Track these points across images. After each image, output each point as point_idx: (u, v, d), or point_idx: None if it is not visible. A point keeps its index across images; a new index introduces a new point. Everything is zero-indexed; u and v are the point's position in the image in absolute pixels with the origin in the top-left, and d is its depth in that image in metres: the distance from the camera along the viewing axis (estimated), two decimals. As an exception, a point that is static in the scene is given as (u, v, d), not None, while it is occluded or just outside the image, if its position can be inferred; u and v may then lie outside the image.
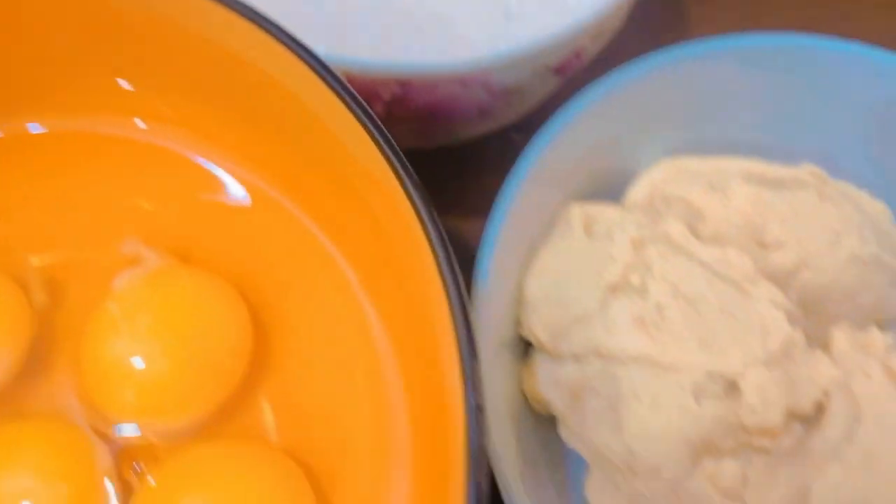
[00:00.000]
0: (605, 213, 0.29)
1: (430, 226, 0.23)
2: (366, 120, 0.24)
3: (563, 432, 0.29)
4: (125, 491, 0.28)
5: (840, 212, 0.30)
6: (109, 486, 0.28)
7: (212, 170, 0.31)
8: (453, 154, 0.38)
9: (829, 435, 0.25)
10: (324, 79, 0.25)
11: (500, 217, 0.27)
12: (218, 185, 0.31)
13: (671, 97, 0.30)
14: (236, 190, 0.31)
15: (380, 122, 0.24)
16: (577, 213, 0.29)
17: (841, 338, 0.27)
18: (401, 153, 0.24)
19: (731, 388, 0.26)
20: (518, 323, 0.29)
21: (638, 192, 0.31)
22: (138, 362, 0.29)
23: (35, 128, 0.32)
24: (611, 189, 0.31)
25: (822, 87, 0.31)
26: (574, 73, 0.31)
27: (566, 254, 0.29)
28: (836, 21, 0.37)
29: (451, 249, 0.23)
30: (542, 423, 0.30)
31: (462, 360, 0.22)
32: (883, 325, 0.31)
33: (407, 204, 0.24)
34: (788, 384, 0.26)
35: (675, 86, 0.30)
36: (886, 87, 0.32)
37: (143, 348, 0.29)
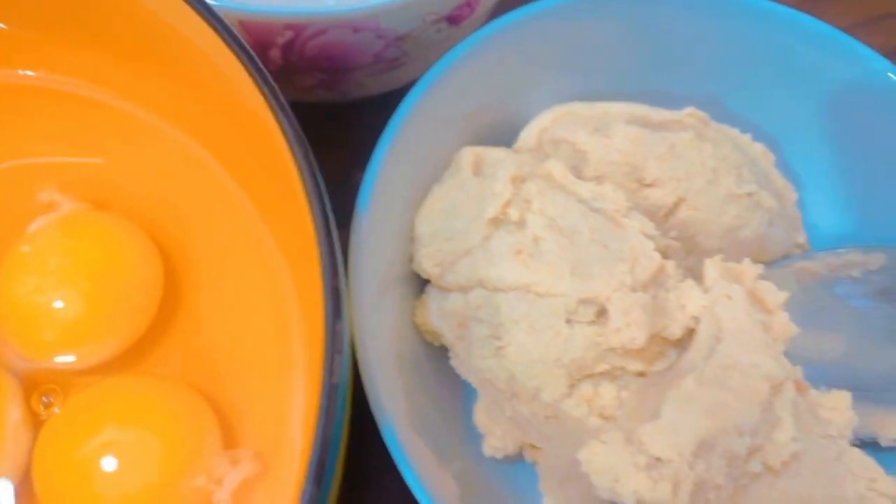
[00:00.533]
0: (493, 154, 0.31)
1: (298, 152, 0.25)
2: (244, 57, 0.26)
3: (454, 362, 0.31)
4: (36, 422, 0.30)
5: (718, 151, 0.31)
6: (17, 416, 0.30)
7: (117, 111, 0.32)
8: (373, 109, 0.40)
9: (692, 355, 0.27)
10: (208, 22, 0.26)
11: (381, 151, 0.28)
12: (123, 128, 0.33)
13: (559, 44, 0.32)
14: (141, 133, 0.33)
15: (252, 54, 0.25)
16: (467, 154, 0.31)
17: (712, 267, 0.29)
18: (276, 89, 0.25)
19: (601, 313, 0.28)
20: (411, 260, 0.31)
21: (528, 136, 0.32)
22: (48, 299, 0.30)
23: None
24: (505, 137, 0.33)
25: (709, 34, 0.33)
26: (469, 23, 0.33)
27: (455, 192, 0.30)
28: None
29: (319, 178, 0.25)
30: (435, 356, 0.31)
31: (321, 251, 0.23)
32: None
33: (281, 137, 0.25)
34: (656, 309, 0.28)
35: (563, 33, 0.32)
36: (775, 34, 0.33)
37: (54, 285, 0.30)
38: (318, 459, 0.21)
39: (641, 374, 0.29)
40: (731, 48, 0.33)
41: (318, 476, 0.21)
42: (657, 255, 0.28)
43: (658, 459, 0.24)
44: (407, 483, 0.27)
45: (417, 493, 0.27)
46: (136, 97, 0.32)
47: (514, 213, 0.28)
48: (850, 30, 0.33)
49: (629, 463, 0.23)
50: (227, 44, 0.26)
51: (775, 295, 0.29)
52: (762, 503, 0.25)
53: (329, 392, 0.21)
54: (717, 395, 0.25)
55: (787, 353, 0.28)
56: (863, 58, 0.32)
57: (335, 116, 0.39)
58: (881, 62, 0.32)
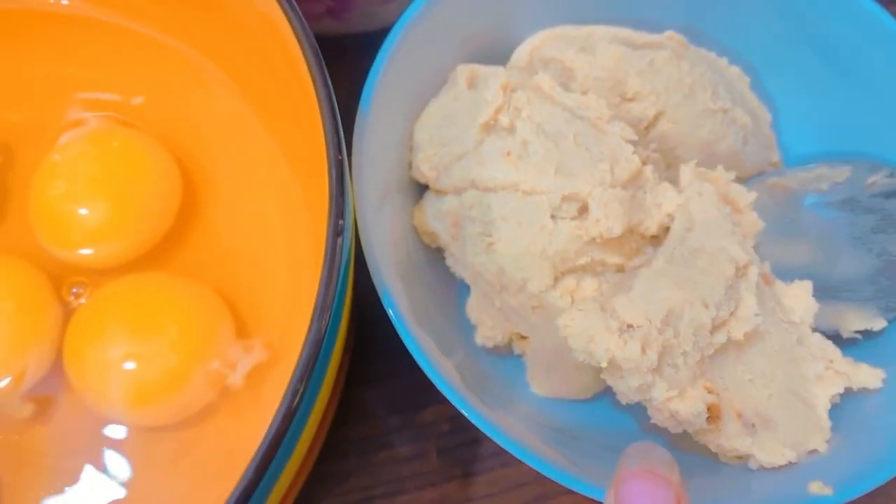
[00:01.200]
0: (487, 70, 0.33)
1: (316, 71, 0.27)
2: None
3: (449, 261, 0.33)
4: (67, 311, 0.33)
5: (695, 69, 0.33)
6: (50, 306, 0.32)
7: (141, 35, 0.35)
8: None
9: (666, 244, 0.30)
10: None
11: (381, 61, 0.31)
12: (147, 53, 0.35)
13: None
14: (163, 57, 0.35)
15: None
16: (463, 70, 0.33)
17: (687, 170, 0.31)
18: (298, 11, 0.27)
19: (583, 210, 0.30)
20: (410, 167, 0.33)
21: (520, 55, 0.35)
22: (77, 201, 0.33)
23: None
24: (499, 57, 0.35)
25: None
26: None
27: (451, 103, 0.33)
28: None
29: (331, 89, 0.27)
30: (433, 259, 0.34)
31: (326, 130, 0.26)
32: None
33: (301, 58, 0.27)
34: (634, 206, 0.30)
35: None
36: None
37: (82, 188, 0.33)
38: (322, 301, 0.23)
39: (621, 269, 0.31)
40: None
41: (317, 343, 0.23)
42: (636, 158, 0.30)
43: (630, 325, 0.26)
44: (421, 369, 0.29)
45: (432, 377, 0.28)
46: (158, 22, 0.35)
47: (504, 120, 0.31)
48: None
49: (603, 327, 0.26)
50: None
51: (744, 196, 0.31)
52: (728, 374, 0.28)
53: (333, 242, 0.24)
54: (685, 272, 0.27)
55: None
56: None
57: (342, 51, 0.42)
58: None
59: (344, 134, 0.29)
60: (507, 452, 0.35)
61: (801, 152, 0.37)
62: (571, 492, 0.35)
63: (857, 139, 0.35)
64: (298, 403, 0.22)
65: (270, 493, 0.25)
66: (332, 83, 0.31)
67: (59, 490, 0.31)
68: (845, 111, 0.36)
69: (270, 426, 0.22)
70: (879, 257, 0.33)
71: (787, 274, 0.33)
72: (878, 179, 0.33)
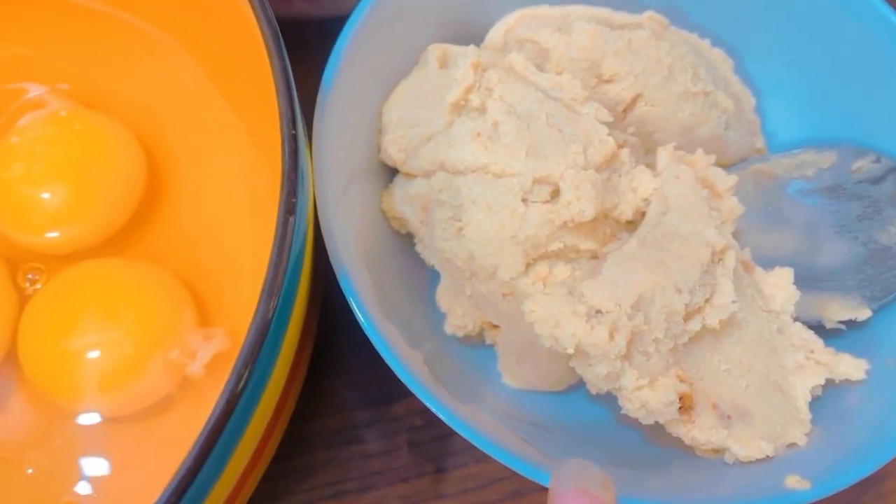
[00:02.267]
0: (459, 49, 0.32)
1: (272, 44, 0.26)
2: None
3: (419, 247, 0.32)
4: (22, 297, 0.32)
5: (675, 50, 0.32)
6: (5, 291, 0.31)
7: (104, 14, 0.34)
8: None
9: (640, 230, 0.28)
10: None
11: (346, 35, 0.29)
12: (110, 31, 0.34)
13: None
14: (128, 38, 0.34)
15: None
16: (434, 50, 0.32)
17: (664, 153, 0.30)
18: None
19: (555, 194, 0.29)
20: (378, 149, 0.32)
21: (494, 35, 0.34)
22: (36, 182, 0.32)
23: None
24: (473, 38, 0.34)
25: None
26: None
27: (421, 83, 0.31)
28: None
29: (287, 62, 0.26)
30: (403, 245, 0.33)
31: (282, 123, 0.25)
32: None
33: (253, 20, 0.26)
34: (608, 188, 0.29)
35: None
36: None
37: (41, 171, 0.32)
38: (270, 282, 0.22)
39: (595, 256, 0.30)
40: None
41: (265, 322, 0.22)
42: (611, 140, 0.29)
43: (598, 311, 0.25)
44: (386, 363, 0.28)
45: (396, 369, 0.27)
46: (121, 2, 0.34)
47: (475, 100, 0.30)
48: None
49: (570, 312, 0.25)
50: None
51: (724, 180, 0.30)
52: (703, 363, 0.27)
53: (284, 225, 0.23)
54: (657, 255, 0.26)
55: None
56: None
57: (319, 35, 0.41)
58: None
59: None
60: (480, 447, 0.35)
61: (786, 138, 0.36)
62: (547, 488, 0.34)
63: (843, 124, 0.34)
64: (242, 389, 0.21)
65: (215, 483, 0.23)
66: (304, 67, 0.30)
67: (16, 483, 0.30)
68: (831, 96, 0.34)
69: (211, 414, 0.21)
70: (865, 245, 0.32)
71: (770, 262, 0.32)
72: (864, 165, 0.32)
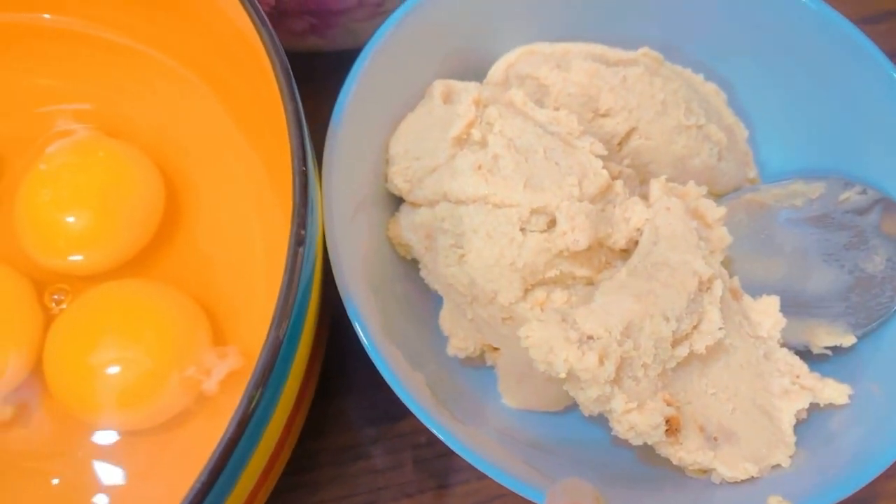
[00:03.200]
0: (462, 85, 0.34)
1: (284, 83, 0.28)
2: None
3: (423, 272, 0.34)
4: (47, 317, 0.34)
5: (668, 86, 0.34)
6: (32, 311, 0.33)
7: (130, 49, 0.36)
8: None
9: (632, 259, 0.30)
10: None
11: (356, 71, 0.31)
12: (134, 67, 0.36)
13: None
14: (150, 71, 0.36)
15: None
16: (439, 85, 0.34)
17: (656, 185, 0.31)
18: (262, 16, 0.28)
19: (552, 224, 0.30)
20: (385, 179, 0.34)
21: (496, 72, 0.35)
22: (62, 208, 0.34)
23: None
24: (476, 74, 0.36)
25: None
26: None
27: (425, 117, 0.33)
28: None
29: (298, 101, 0.28)
30: (408, 271, 0.34)
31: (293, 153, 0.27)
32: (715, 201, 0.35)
33: (267, 61, 0.28)
34: (603, 219, 0.30)
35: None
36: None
37: (67, 197, 0.34)
38: (281, 307, 0.24)
39: (590, 283, 0.31)
40: (687, -3, 0.36)
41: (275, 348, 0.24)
42: (605, 172, 0.31)
43: (589, 337, 0.26)
44: (389, 385, 0.29)
45: (398, 392, 0.29)
46: (142, 36, 0.36)
47: (476, 134, 0.31)
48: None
49: (562, 337, 0.26)
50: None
51: (714, 210, 0.32)
52: (691, 387, 0.28)
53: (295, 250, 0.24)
54: (646, 284, 0.28)
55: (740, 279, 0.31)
56: (809, 5, 0.35)
57: (329, 68, 0.43)
58: (829, 11, 0.35)
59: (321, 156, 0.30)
60: (482, 464, 0.36)
61: (778, 168, 0.37)
62: (544, 505, 0.35)
63: (833, 156, 0.35)
64: (254, 409, 0.23)
65: (227, 498, 0.25)
66: (317, 99, 0.32)
67: (42, 492, 0.32)
68: (821, 129, 0.36)
69: (225, 432, 0.22)
70: (851, 274, 0.33)
71: (760, 289, 0.33)
72: (851, 196, 0.33)
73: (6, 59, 0.36)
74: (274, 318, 0.24)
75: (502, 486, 0.37)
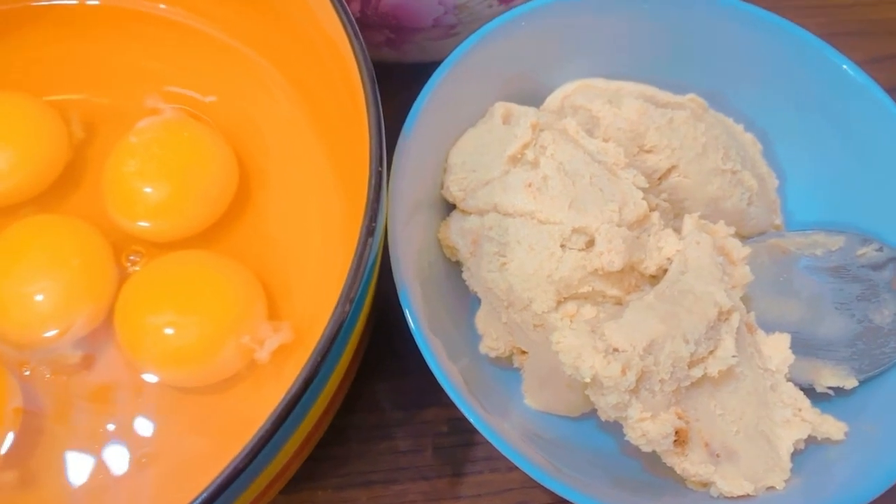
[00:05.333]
0: (521, 109, 0.37)
1: (370, 94, 0.31)
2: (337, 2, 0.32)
3: (465, 275, 0.37)
4: (123, 275, 0.37)
5: (710, 131, 0.37)
6: (109, 268, 0.37)
7: (221, 41, 0.40)
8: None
9: (660, 285, 0.33)
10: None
11: (427, 91, 0.34)
12: (219, 56, 0.40)
13: (588, 29, 0.38)
14: (233, 60, 0.40)
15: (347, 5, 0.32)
16: (500, 107, 0.37)
17: (689, 220, 0.34)
18: (354, 22, 0.31)
19: (590, 244, 0.33)
20: (441, 186, 0.37)
21: (553, 100, 0.38)
22: (146, 178, 0.37)
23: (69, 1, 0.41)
24: (534, 100, 0.39)
25: (720, 36, 0.38)
26: (517, 2, 0.39)
27: (485, 134, 0.36)
28: None
29: (381, 110, 0.31)
30: (451, 271, 0.38)
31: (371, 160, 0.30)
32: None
33: (354, 63, 0.31)
34: (637, 245, 0.33)
35: (592, 20, 0.38)
36: (777, 44, 0.38)
37: (151, 169, 0.37)
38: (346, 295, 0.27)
39: (619, 303, 0.34)
40: (738, 52, 0.39)
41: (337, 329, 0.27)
42: (644, 203, 0.34)
43: (615, 349, 0.29)
44: (430, 370, 0.32)
45: (438, 377, 0.32)
46: (238, 33, 0.39)
47: (530, 155, 0.34)
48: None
49: (590, 346, 0.29)
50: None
51: (739, 250, 0.34)
52: (701, 406, 0.31)
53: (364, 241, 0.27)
54: (671, 308, 0.30)
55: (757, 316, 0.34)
56: (848, 70, 0.37)
57: (394, 76, 0.46)
58: (868, 81, 0.38)
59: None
60: (496, 459, 0.39)
61: (802, 219, 0.40)
62: (552, 503, 0.38)
63: (854, 213, 0.38)
64: (315, 373, 0.26)
65: (277, 455, 0.28)
66: (387, 107, 0.35)
67: (99, 435, 0.35)
68: (847, 186, 0.38)
69: (289, 390, 0.25)
70: (860, 323, 0.35)
71: (775, 327, 0.35)
72: (868, 251, 0.36)
73: (115, 40, 0.40)
74: (342, 295, 0.27)
75: (511, 482, 0.40)
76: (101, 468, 0.34)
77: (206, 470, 0.33)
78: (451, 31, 0.40)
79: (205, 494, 0.26)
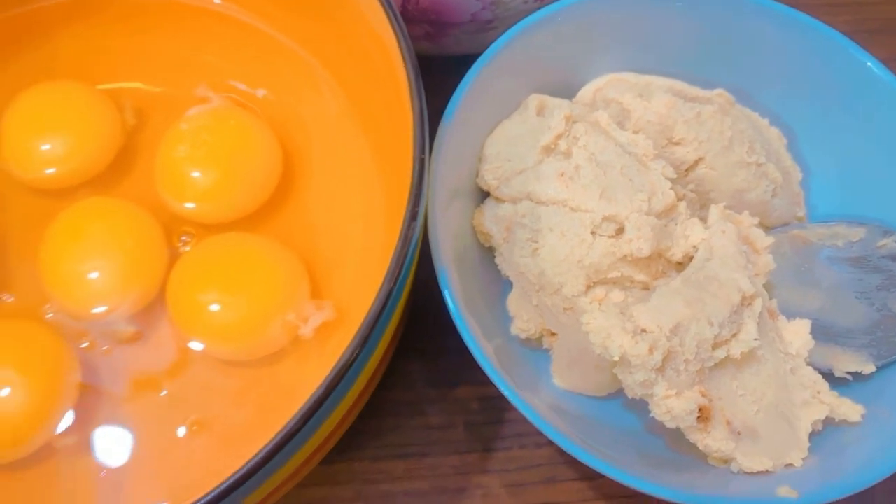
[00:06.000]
0: (555, 102, 0.38)
1: (415, 88, 0.33)
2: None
3: (498, 259, 0.38)
4: (174, 255, 0.39)
5: (736, 125, 0.38)
6: (162, 248, 0.39)
7: (270, 37, 0.42)
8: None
9: (686, 271, 0.34)
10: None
11: (464, 84, 0.36)
12: (267, 49, 0.42)
13: (620, 25, 0.39)
14: (279, 54, 0.42)
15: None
16: (534, 99, 0.39)
17: (715, 210, 0.36)
18: (399, 17, 0.33)
19: (620, 231, 0.35)
20: (477, 175, 0.39)
21: (585, 93, 0.40)
22: (196, 163, 0.39)
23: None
24: (567, 92, 0.40)
25: (748, 34, 0.40)
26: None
27: (519, 125, 0.38)
28: None
29: (424, 103, 0.33)
30: (485, 256, 0.39)
31: (415, 152, 0.31)
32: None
33: (399, 56, 0.33)
34: (665, 233, 0.35)
35: (625, 16, 0.39)
36: (804, 41, 0.40)
37: (201, 154, 0.39)
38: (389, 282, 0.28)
39: (646, 288, 0.36)
40: (765, 49, 0.40)
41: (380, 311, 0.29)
42: (672, 193, 0.35)
43: (643, 330, 0.31)
44: (467, 348, 0.33)
45: (475, 353, 0.33)
46: (288, 29, 0.41)
47: (563, 145, 0.36)
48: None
49: (619, 327, 0.30)
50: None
51: (762, 239, 0.36)
52: (723, 386, 0.32)
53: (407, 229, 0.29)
54: (697, 293, 0.32)
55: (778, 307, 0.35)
56: (872, 67, 0.38)
57: (432, 67, 0.48)
58: (892, 80, 0.39)
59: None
60: (525, 436, 0.41)
61: (825, 211, 0.41)
62: (578, 479, 0.40)
63: (876, 205, 0.39)
64: (363, 344, 0.28)
65: (322, 424, 0.30)
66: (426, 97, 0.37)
67: (153, 403, 0.37)
68: (869, 180, 0.40)
69: (340, 358, 0.27)
70: (879, 312, 0.37)
71: (796, 314, 0.37)
72: (888, 243, 0.37)
73: (171, 33, 0.42)
74: (387, 274, 0.28)
75: (540, 458, 0.41)
76: (154, 434, 0.36)
77: (251, 438, 0.35)
78: (488, 26, 0.42)
79: (258, 457, 0.28)
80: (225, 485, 0.26)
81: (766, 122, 0.40)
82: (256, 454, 0.28)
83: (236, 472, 0.27)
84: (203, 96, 0.42)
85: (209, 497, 0.26)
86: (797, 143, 0.41)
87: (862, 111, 0.39)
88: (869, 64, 0.38)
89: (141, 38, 0.43)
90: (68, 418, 0.36)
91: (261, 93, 0.42)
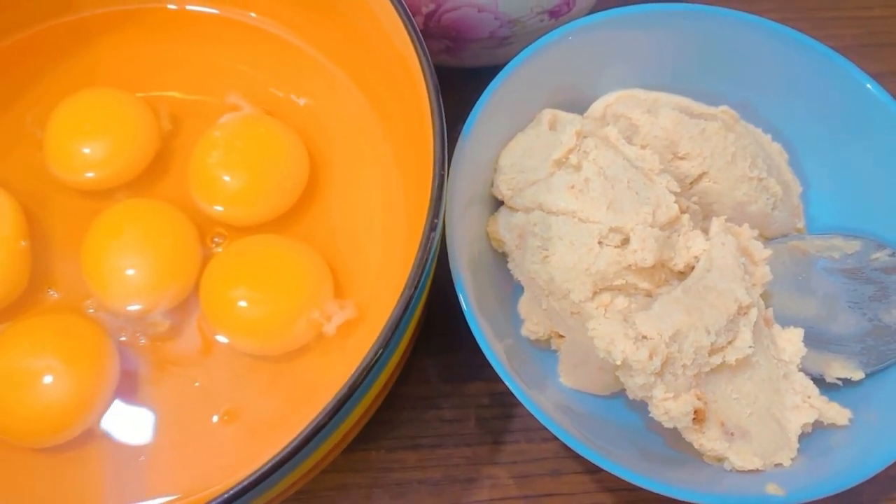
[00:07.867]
0: (567, 116, 0.41)
1: (434, 103, 0.35)
2: (407, 20, 0.36)
3: (510, 265, 0.41)
4: (207, 255, 0.42)
5: (739, 141, 0.40)
6: (196, 248, 0.41)
7: (299, 49, 0.44)
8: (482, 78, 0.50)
9: (687, 281, 0.36)
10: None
11: (482, 101, 0.38)
12: (294, 59, 0.44)
13: (630, 43, 0.41)
14: (306, 64, 0.44)
15: (414, 20, 0.36)
16: (547, 114, 0.41)
17: (716, 222, 0.38)
18: (422, 39, 0.35)
19: (625, 241, 0.37)
20: (491, 184, 0.41)
21: (596, 108, 0.42)
22: (228, 168, 0.41)
23: (171, 6, 0.46)
24: (578, 107, 0.43)
25: (751, 52, 0.42)
26: (567, 18, 0.43)
27: (533, 139, 0.40)
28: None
29: (444, 118, 0.35)
30: (498, 261, 0.42)
31: (435, 161, 0.34)
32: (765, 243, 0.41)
33: (421, 76, 0.35)
34: (668, 244, 0.37)
35: (634, 35, 0.41)
36: (797, 60, 0.42)
37: (233, 160, 0.42)
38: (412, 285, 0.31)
39: (649, 295, 0.38)
40: (768, 66, 0.42)
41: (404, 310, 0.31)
42: (676, 206, 0.37)
43: (644, 336, 0.33)
44: (479, 347, 0.36)
45: (486, 353, 0.36)
46: (316, 43, 0.44)
47: (573, 159, 0.38)
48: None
49: (622, 334, 0.33)
50: (393, 4, 0.36)
51: (761, 251, 0.38)
52: (718, 390, 0.35)
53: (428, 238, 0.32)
54: (696, 302, 0.34)
55: (775, 313, 0.38)
56: (870, 88, 0.40)
57: (451, 80, 0.50)
58: (892, 103, 0.40)
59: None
60: (532, 431, 0.43)
61: (823, 223, 0.43)
62: (581, 472, 0.42)
63: (871, 220, 0.41)
64: (386, 344, 0.30)
65: (349, 415, 0.32)
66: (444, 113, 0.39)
67: (187, 392, 0.39)
68: (866, 196, 0.42)
69: (365, 357, 0.30)
70: (870, 321, 0.39)
71: (791, 321, 0.39)
72: (882, 256, 0.39)
73: (206, 44, 0.45)
74: (408, 281, 0.31)
75: (546, 451, 0.44)
76: (188, 423, 0.39)
77: (278, 428, 0.39)
78: (505, 41, 0.44)
79: (289, 448, 0.30)
80: (259, 472, 0.29)
81: (768, 137, 0.42)
82: (287, 445, 0.30)
83: (269, 461, 0.29)
84: (235, 104, 0.44)
85: (245, 483, 0.28)
86: (798, 157, 0.43)
87: (861, 129, 0.41)
88: (868, 85, 0.40)
89: (177, 47, 0.45)
90: (108, 406, 0.39)
91: (302, 101, 0.44)
